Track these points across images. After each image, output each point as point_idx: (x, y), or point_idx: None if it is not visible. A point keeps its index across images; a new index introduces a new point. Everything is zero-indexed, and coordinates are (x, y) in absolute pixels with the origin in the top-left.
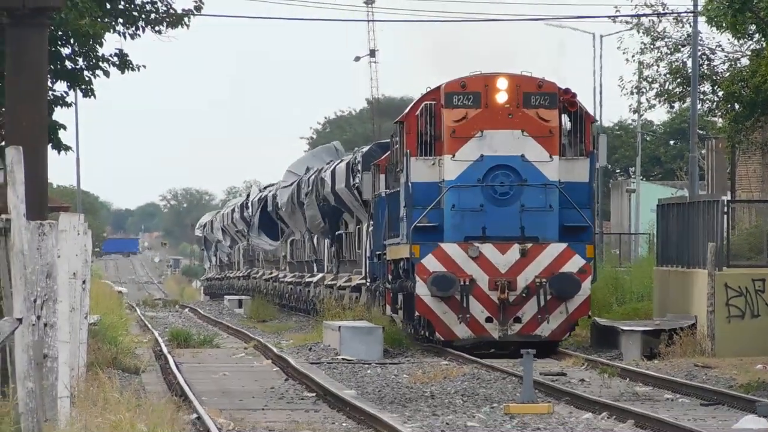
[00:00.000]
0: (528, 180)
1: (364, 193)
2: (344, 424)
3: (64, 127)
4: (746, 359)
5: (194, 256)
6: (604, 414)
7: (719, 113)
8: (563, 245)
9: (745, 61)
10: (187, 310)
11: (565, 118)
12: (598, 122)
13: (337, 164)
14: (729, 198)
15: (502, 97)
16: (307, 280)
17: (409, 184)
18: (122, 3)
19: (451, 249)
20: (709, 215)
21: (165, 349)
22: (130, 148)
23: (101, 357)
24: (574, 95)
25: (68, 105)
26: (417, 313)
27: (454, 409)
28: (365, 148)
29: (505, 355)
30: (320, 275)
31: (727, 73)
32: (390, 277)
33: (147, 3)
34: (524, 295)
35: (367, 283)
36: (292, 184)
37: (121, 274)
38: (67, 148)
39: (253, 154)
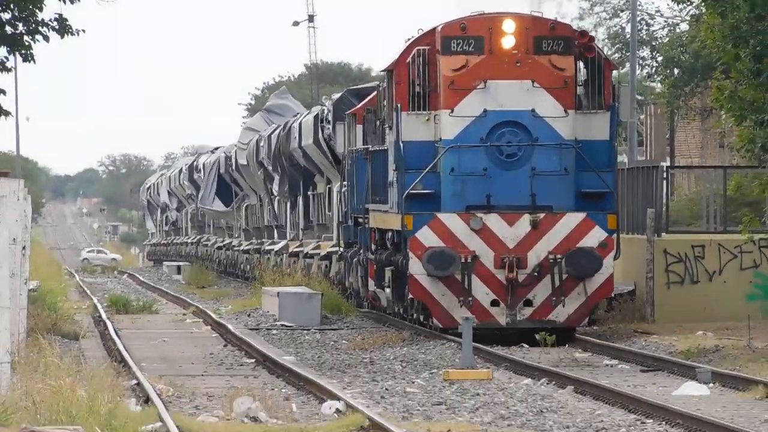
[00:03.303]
0: (539, 139)
1: (337, 147)
2: (284, 390)
3: (4, 92)
4: (686, 325)
5: (133, 222)
6: (544, 380)
7: (658, 78)
8: (581, 215)
9: (684, 27)
10: (125, 276)
11: (580, 65)
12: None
13: (304, 117)
14: (668, 164)
15: (508, 42)
16: (267, 247)
17: (401, 144)
18: None
19: (451, 220)
20: (649, 181)
21: (104, 315)
22: (68, 114)
23: (41, 323)
24: (591, 39)
25: (8, 70)
26: (410, 295)
27: (393, 374)
28: (336, 96)
29: (514, 340)
30: (283, 242)
31: (667, 39)
32: (374, 247)
33: None
34: (536, 274)
35: (340, 250)
36: (250, 141)
37: (59, 241)
38: (6, 113)
39: (190, 120)
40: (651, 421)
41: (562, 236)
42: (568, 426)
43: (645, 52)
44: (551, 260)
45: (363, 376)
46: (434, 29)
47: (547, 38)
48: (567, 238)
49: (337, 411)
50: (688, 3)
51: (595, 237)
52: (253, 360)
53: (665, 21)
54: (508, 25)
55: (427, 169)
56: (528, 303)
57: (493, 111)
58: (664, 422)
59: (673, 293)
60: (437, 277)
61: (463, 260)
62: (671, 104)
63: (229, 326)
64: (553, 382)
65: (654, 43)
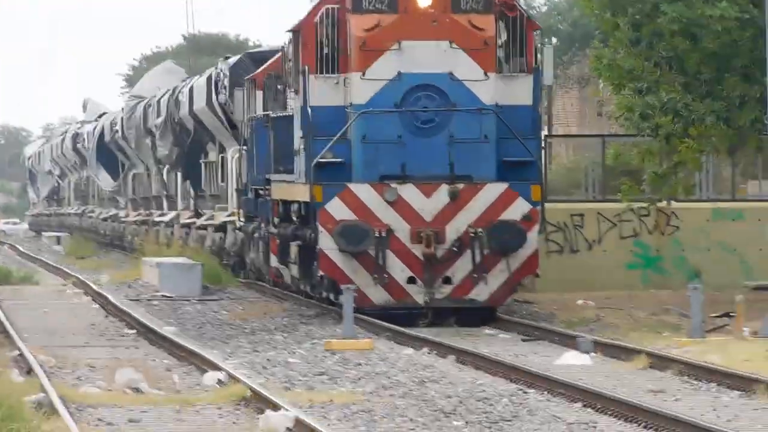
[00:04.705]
0: (458, 104)
1: (236, 114)
2: (165, 361)
3: None
4: (566, 295)
5: (13, 194)
6: (425, 349)
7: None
8: (503, 185)
9: None
10: (6, 246)
11: (501, 26)
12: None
13: (195, 80)
14: (546, 133)
15: (424, 0)
16: (156, 219)
17: (308, 109)
18: None
19: (363, 191)
20: None
21: None
22: None
23: None
24: None
25: None
26: (319, 272)
27: (274, 345)
28: (232, 60)
29: (435, 324)
30: (173, 213)
31: (545, 7)
32: (277, 220)
33: None
34: (455, 249)
35: (240, 222)
36: (137, 106)
37: None
38: None
39: (67, 90)
40: (533, 390)
41: (483, 208)
42: (450, 396)
43: None
44: (472, 234)
45: (244, 347)
46: None
47: None
48: (488, 210)
49: (219, 382)
50: None
51: (518, 209)
52: (134, 331)
53: None
54: None
55: (337, 136)
56: (447, 281)
57: (408, 74)
58: (546, 392)
59: (553, 262)
60: (349, 252)
61: (377, 235)
62: None
63: (110, 297)
64: (435, 352)
65: (532, 12)
